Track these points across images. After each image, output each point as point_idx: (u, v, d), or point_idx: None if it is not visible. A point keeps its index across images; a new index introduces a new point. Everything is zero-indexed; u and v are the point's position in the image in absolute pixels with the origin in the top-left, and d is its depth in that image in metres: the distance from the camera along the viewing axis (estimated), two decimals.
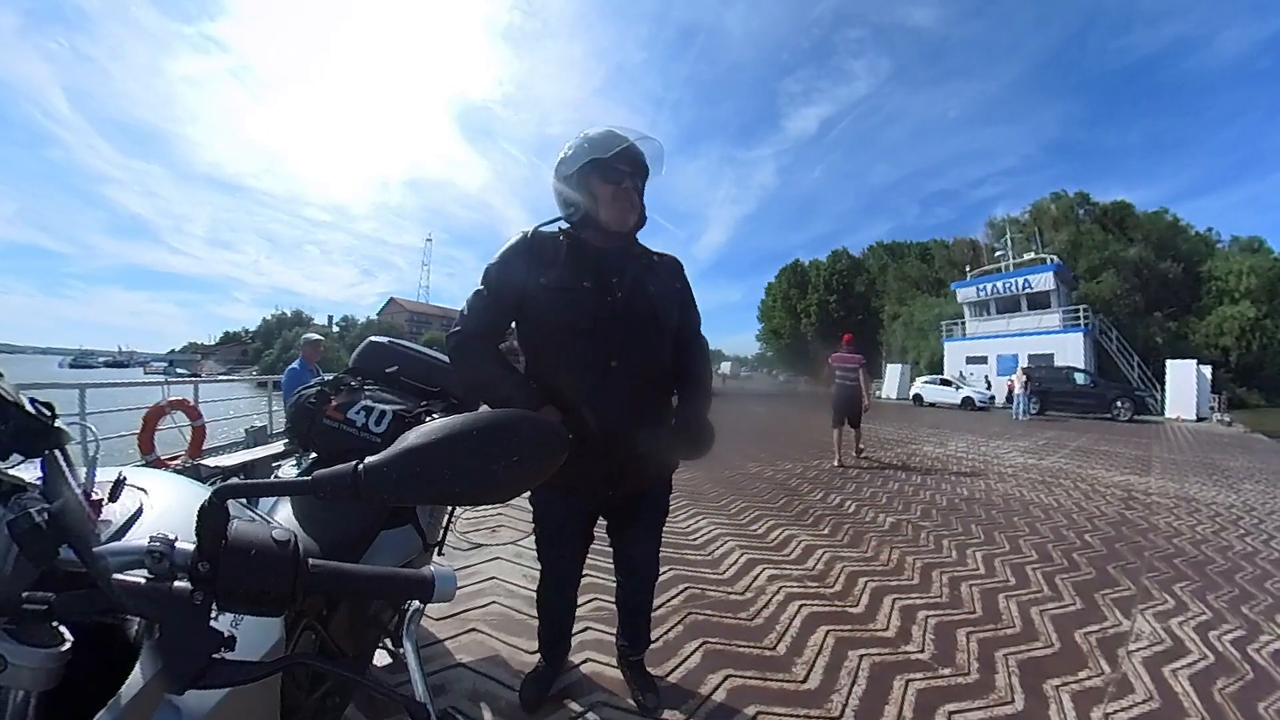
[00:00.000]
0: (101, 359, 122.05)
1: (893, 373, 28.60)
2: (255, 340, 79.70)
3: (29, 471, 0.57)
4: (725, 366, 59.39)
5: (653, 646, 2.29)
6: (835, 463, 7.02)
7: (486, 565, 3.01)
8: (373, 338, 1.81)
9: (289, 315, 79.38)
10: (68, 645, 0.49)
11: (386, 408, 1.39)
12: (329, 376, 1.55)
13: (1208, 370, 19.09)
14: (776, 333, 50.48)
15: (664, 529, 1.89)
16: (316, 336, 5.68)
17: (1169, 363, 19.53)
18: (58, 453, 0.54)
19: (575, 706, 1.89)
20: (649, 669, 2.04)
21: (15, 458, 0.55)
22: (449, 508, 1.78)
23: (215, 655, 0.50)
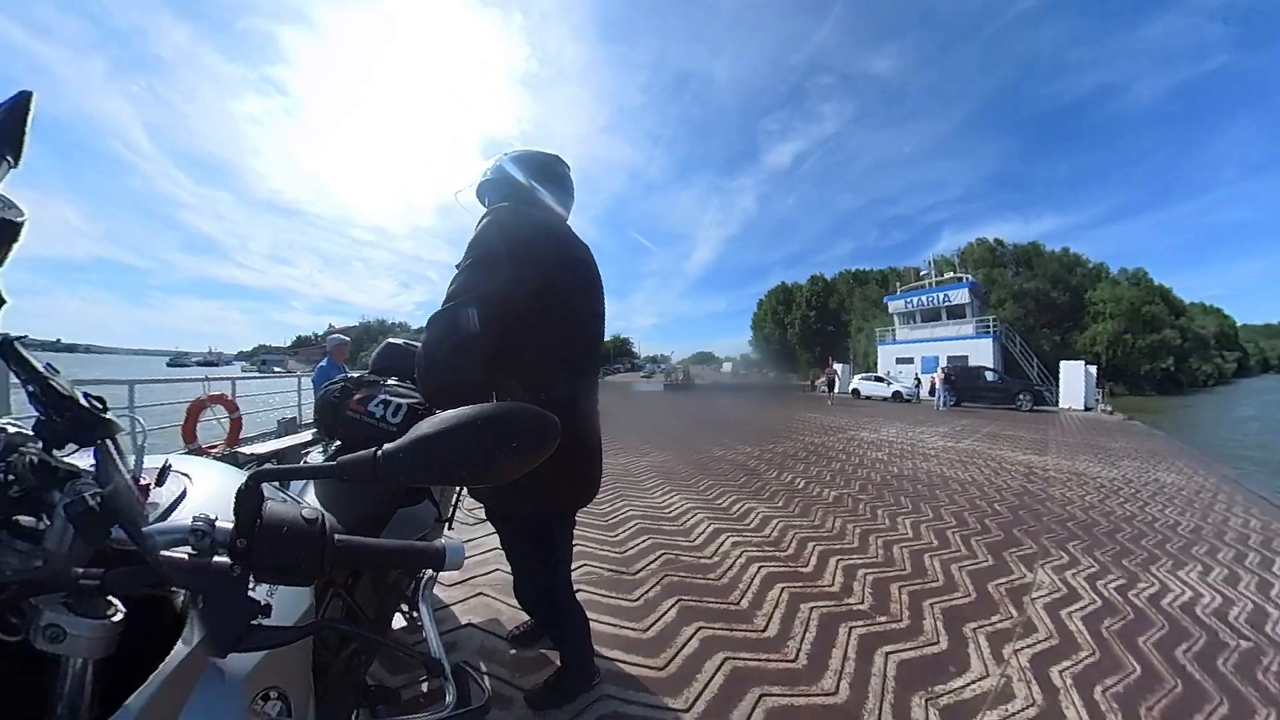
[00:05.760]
0: (195, 359, 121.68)
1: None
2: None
3: (83, 460, 0.55)
4: (727, 366, 60.71)
5: (635, 604, 2.29)
6: (829, 402, 16.35)
7: (490, 537, 2.96)
8: (391, 339, 1.78)
9: (374, 324, 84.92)
10: (120, 616, 0.47)
11: (402, 401, 1.36)
12: (353, 374, 1.52)
13: (1094, 369, 19.70)
14: (767, 340, 53.61)
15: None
16: (345, 338, 5.53)
17: (1062, 363, 20.00)
18: (109, 442, 0.52)
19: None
20: (634, 624, 2.03)
21: (70, 447, 0.53)
22: (458, 488, 1.75)
23: (253, 621, 0.50)
